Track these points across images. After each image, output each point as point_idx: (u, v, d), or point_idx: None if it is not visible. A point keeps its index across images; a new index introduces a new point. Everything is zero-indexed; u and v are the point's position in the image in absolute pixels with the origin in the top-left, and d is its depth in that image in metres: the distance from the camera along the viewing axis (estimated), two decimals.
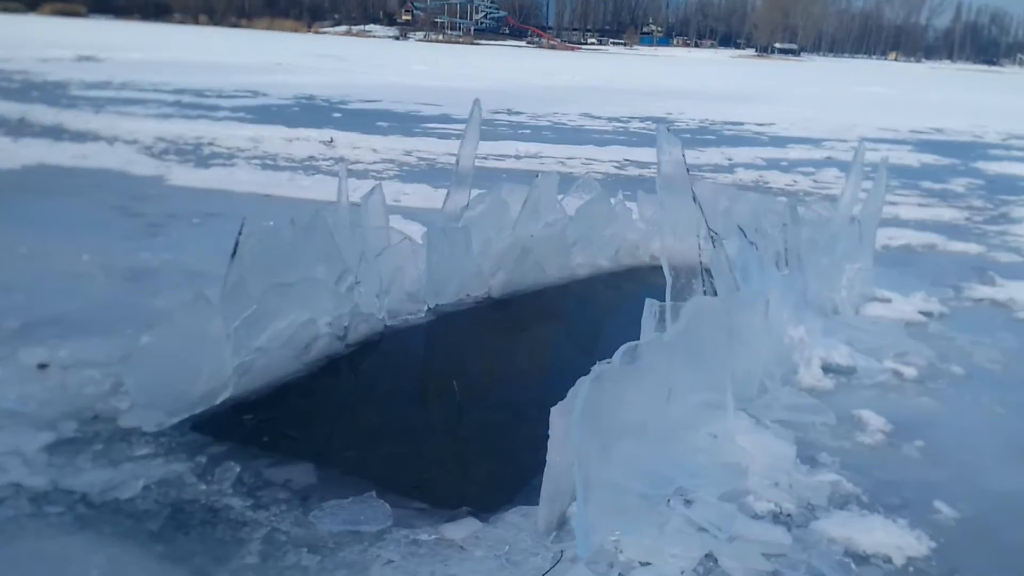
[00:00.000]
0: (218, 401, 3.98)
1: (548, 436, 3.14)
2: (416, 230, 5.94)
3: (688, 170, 4.08)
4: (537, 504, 3.18)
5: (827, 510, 3.41)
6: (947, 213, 10.50)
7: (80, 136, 11.96)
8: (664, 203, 4.06)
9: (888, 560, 3.11)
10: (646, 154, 14.29)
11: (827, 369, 4.90)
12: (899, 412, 4.38)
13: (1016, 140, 21.90)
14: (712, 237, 4.78)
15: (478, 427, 4.11)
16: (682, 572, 2.91)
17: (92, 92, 18.53)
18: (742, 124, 21.41)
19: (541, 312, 6.03)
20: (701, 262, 4.34)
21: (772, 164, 14.11)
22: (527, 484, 3.42)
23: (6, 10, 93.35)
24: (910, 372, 4.96)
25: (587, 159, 12.96)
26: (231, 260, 4.07)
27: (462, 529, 3.10)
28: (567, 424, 2.86)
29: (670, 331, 3.50)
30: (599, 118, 20.43)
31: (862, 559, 3.10)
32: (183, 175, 9.53)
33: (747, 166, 13.71)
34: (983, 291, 6.88)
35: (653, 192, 7.58)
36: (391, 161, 11.77)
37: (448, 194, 5.78)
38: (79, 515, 3.03)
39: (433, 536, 3.05)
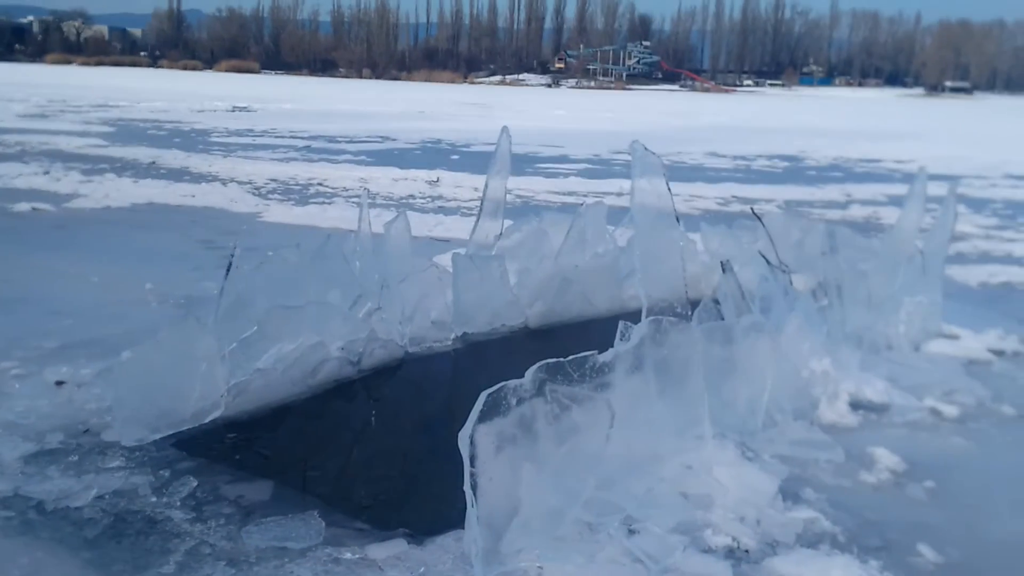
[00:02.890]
0: (208, 420, 4.09)
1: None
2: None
3: (670, 191, 3.93)
4: None
5: (791, 548, 3.17)
6: None
7: (199, 177, 12.71)
8: (638, 228, 3.92)
9: None
10: (758, 190, 13.93)
11: (856, 405, 4.59)
12: (921, 452, 4.06)
13: None
14: (726, 266, 4.61)
15: (450, 454, 4.04)
16: None
17: (230, 139, 19.68)
18: (878, 161, 20.54)
19: (580, 342, 5.84)
20: (686, 289, 4.17)
21: (893, 201, 13.41)
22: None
23: (186, 68, 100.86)
24: (951, 411, 4.59)
25: (691, 195, 12.71)
26: (224, 280, 4.20)
27: (387, 549, 3.06)
28: (463, 440, 2.78)
29: (609, 351, 3.36)
30: (723, 156, 20.05)
31: None
32: (278, 212, 9.95)
33: (864, 203, 13.11)
34: None
35: (716, 224, 7.40)
36: (454, 199, 11.89)
37: (476, 224, 5.79)
38: (26, 520, 3.16)
39: (356, 555, 3.02)
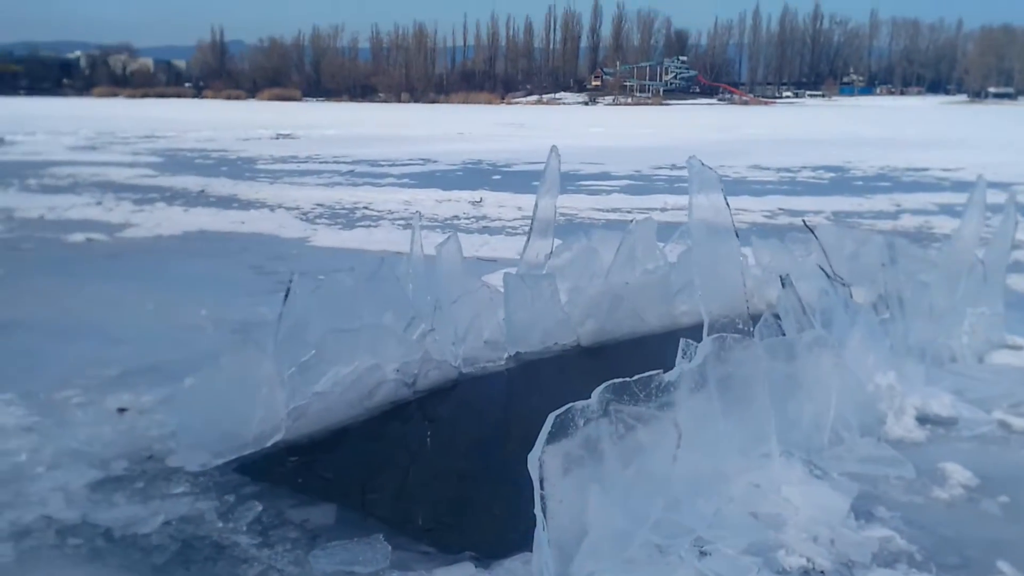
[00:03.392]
0: (268, 444, 4.10)
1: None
2: None
3: (728, 206, 3.88)
4: None
5: (867, 568, 3.09)
6: None
7: (247, 204, 12.88)
8: (696, 244, 3.87)
9: None
10: (805, 202, 13.78)
11: (923, 420, 4.49)
12: (993, 466, 3.95)
13: None
14: (785, 280, 4.54)
15: (513, 475, 4.00)
16: None
17: (275, 166, 19.94)
18: (926, 170, 20.24)
19: (633, 359, 5.79)
20: (747, 304, 4.11)
21: (944, 209, 13.21)
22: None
23: (229, 97, 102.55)
24: (1021, 424, 4.46)
25: (737, 209, 12.58)
26: (283, 306, 4.22)
27: (455, 573, 3.03)
28: (532, 464, 2.75)
29: (675, 370, 3.31)
30: (767, 169, 19.89)
31: None
32: (327, 237, 10.04)
33: (915, 212, 12.91)
34: None
35: (767, 238, 7.32)
36: (515, 218, 11.89)
37: (527, 243, 5.77)
38: (95, 547, 3.19)
39: None
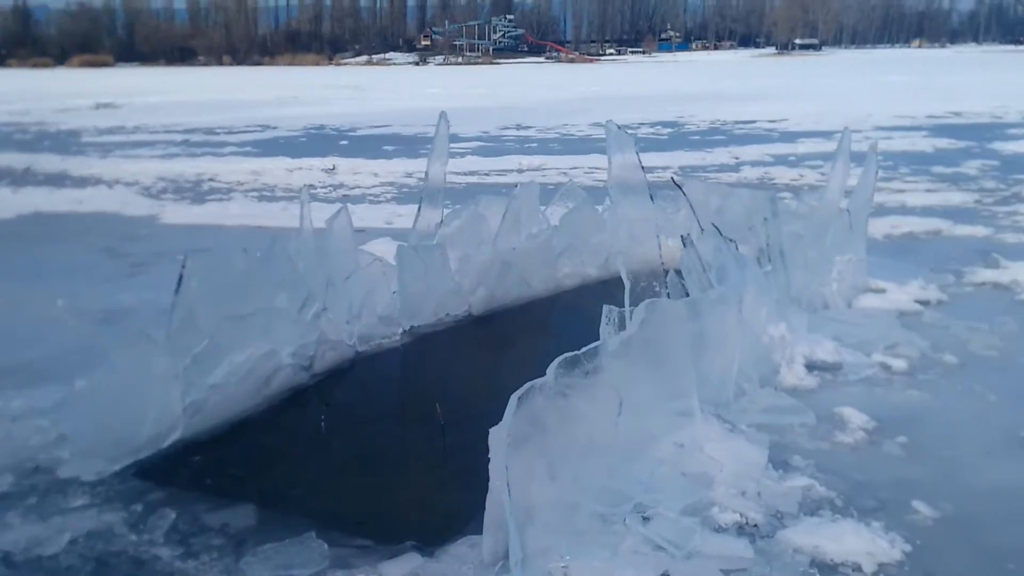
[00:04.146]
0: (166, 444, 3.87)
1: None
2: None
3: (642, 168, 3.90)
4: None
5: (796, 517, 3.21)
6: (956, 197, 10.19)
7: (82, 181, 12.05)
8: (617, 205, 3.89)
9: (857, 568, 2.91)
10: (651, 158, 14.07)
11: (811, 367, 4.69)
12: (884, 408, 4.17)
13: None
14: (685, 238, 4.62)
15: (449, 454, 3.93)
16: None
17: (103, 138, 18.73)
18: (753, 122, 21.11)
19: (525, 327, 5.87)
20: (662, 263, 4.17)
21: (780, 160, 13.85)
22: (483, 511, 3.27)
23: (35, 65, 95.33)
24: (899, 365, 4.74)
25: (591, 167, 12.79)
26: (175, 295, 3.96)
27: (401, 566, 2.94)
28: (498, 444, 2.69)
29: (617, 338, 3.32)
30: None
31: (829, 568, 2.91)
32: (177, 213, 9.52)
33: (754, 164, 13.46)
34: (985, 275, 6.60)
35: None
36: (391, 184, 11.69)
37: (419, 212, 5.65)
38: None
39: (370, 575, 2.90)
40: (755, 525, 3.17)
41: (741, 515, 3.21)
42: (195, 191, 11.21)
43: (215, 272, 4.20)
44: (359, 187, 11.45)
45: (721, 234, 4.96)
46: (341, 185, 11.61)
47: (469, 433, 4.04)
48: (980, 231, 8.20)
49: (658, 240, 3.92)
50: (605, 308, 3.68)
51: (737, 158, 14.15)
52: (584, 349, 3.07)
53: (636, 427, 3.40)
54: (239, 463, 3.81)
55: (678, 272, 4.47)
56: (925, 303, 5.86)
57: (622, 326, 3.84)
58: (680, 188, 7.50)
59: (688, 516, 3.16)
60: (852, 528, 3.10)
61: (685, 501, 3.22)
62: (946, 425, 4.01)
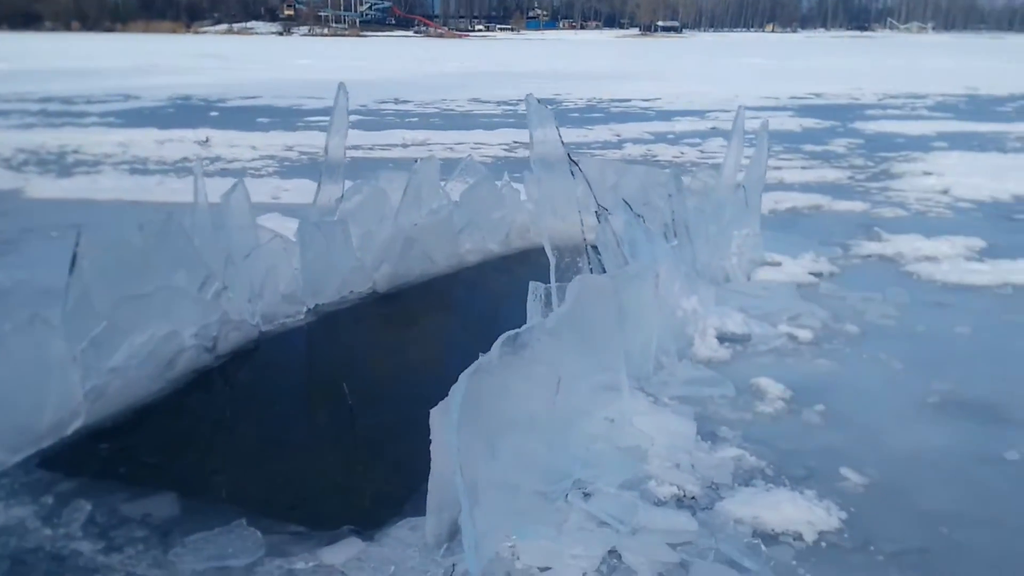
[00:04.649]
0: (69, 432, 3.60)
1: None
2: (288, 225, 5.61)
3: (563, 143, 3.84)
4: (422, 514, 2.96)
5: (732, 488, 3.24)
6: (830, 174, 10.60)
7: None
8: (540, 180, 3.82)
9: (799, 537, 2.95)
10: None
11: (722, 339, 4.77)
12: (797, 377, 4.27)
13: (890, 100, 22.55)
14: (600, 213, 4.60)
15: (364, 435, 3.82)
16: (584, 574, 2.69)
17: None
18: (628, 101, 21.46)
19: (430, 304, 5.76)
20: (585, 239, 4.14)
21: (659, 138, 14.11)
22: (417, 493, 3.18)
23: None
24: (805, 335, 4.87)
25: (476, 143, 12.71)
26: (70, 275, 3.67)
27: (343, 551, 2.82)
28: (447, 425, 2.59)
29: (554, 315, 3.26)
30: (487, 103, 20.21)
31: (771, 538, 2.94)
32: (43, 186, 8.92)
33: (635, 141, 13.66)
34: (870, 247, 6.90)
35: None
36: (271, 157, 11.29)
37: (319, 187, 5.44)
38: None
39: (311, 563, 2.77)
40: (693, 497, 3.18)
41: (679, 488, 3.22)
42: (60, 163, 10.54)
43: (110, 250, 3.92)
44: (238, 160, 11.01)
45: (632, 209, 4.97)
46: (218, 158, 11.14)
47: (383, 414, 3.97)
48: (858, 206, 8.55)
49: (580, 215, 3.87)
50: (532, 284, 3.63)
51: (618, 135, 14.33)
52: (527, 327, 2.99)
53: (569, 403, 3.36)
54: (150, 450, 3.58)
55: (594, 247, 4.45)
56: (819, 275, 6.05)
57: (548, 302, 3.81)
58: (575, 164, 7.51)
59: (627, 491, 3.15)
60: (787, 497, 3.15)
61: (623, 476, 3.21)
62: (858, 393, 4.14)
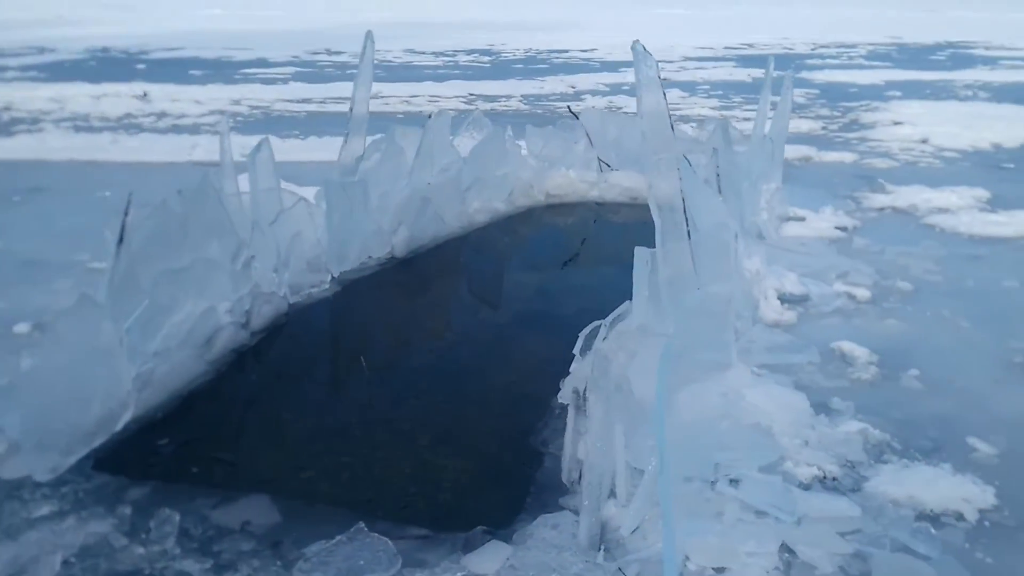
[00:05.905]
0: (119, 426, 3.18)
1: (538, 422, 2.63)
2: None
3: (664, 94, 3.53)
4: (552, 509, 2.71)
5: (870, 466, 3.02)
6: (804, 124, 10.48)
7: None
8: (647, 137, 3.50)
9: (960, 516, 2.75)
10: (493, 87, 13.68)
11: (783, 300, 4.55)
12: (875, 340, 4.06)
13: (823, 49, 22.72)
14: (603, 168, 4.30)
15: (431, 418, 3.45)
16: (767, 573, 2.44)
17: None
18: (567, 52, 21.11)
19: (453, 269, 5.40)
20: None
21: (615, 89, 13.83)
22: (526, 481, 2.91)
23: None
24: (862, 293, 4.68)
25: (432, 96, 12.22)
26: (117, 248, 3.21)
27: (490, 558, 2.50)
28: (655, 423, 2.29)
29: (692, 297, 2.96)
30: (424, 53, 19.59)
31: (936, 520, 2.73)
32: None
33: (593, 93, 13.36)
34: (881, 199, 6.77)
35: (541, 126, 7.08)
36: (221, 112, 10.62)
37: (344, 143, 4.99)
38: None
39: (459, 574, 2.44)
40: (835, 478, 2.95)
41: (818, 468, 2.99)
42: None
43: (152, 218, 3.46)
44: (186, 116, 10.33)
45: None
46: (164, 114, 10.43)
47: (441, 394, 3.63)
48: (847, 156, 8.45)
49: (679, 172, 3.55)
50: (638, 251, 3.31)
51: (573, 87, 14.00)
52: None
53: (683, 380, 3.10)
54: (215, 444, 3.19)
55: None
56: (844, 229, 5.90)
57: (654, 268, 3.49)
58: (576, 116, 7.20)
59: (769, 474, 2.90)
60: (932, 474, 2.95)
61: (764, 458, 2.96)
62: (942, 355, 3.96)
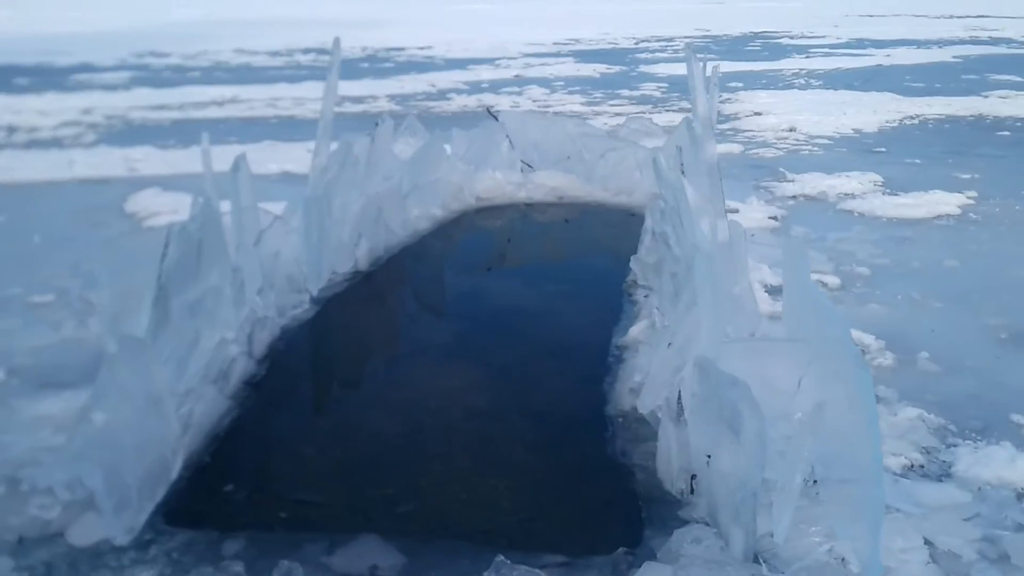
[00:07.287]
0: (174, 475, 2.85)
1: (604, 432, 2.59)
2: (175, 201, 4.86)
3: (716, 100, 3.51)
4: (674, 523, 2.65)
5: (945, 450, 3.13)
6: (672, 117, 10.78)
7: None
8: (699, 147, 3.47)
9: None
10: (352, 87, 13.26)
11: (768, 291, 4.65)
12: (869, 326, 4.20)
13: (645, 43, 23.49)
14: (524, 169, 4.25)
15: (488, 436, 3.30)
16: (926, 564, 2.48)
17: None
18: (404, 49, 20.87)
19: (417, 278, 5.21)
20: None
21: (475, 88, 13.77)
22: (629, 496, 2.84)
23: None
24: (832, 280, 4.87)
25: (296, 98, 11.75)
26: (160, 277, 2.87)
27: None
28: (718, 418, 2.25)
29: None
30: (258, 53, 18.85)
31: None
32: None
33: (456, 91, 13.26)
34: (789, 188, 7.06)
35: (468, 128, 6.96)
36: (75, 123, 9.82)
37: (315, 156, 4.66)
38: None
39: None
40: (921, 465, 3.04)
41: (904, 456, 3.07)
42: None
43: (174, 247, 3.12)
44: (39, 128, 9.49)
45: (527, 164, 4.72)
46: (14, 128, 9.52)
47: (488, 413, 3.48)
48: (733, 148, 8.77)
49: (719, 173, 3.55)
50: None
51: (434, 86, 13.84)
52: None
53: None
54: (285, 485, 2.92)
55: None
56: (775, 219, 6.11)
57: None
58: (495, 118, 7.12)
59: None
60: (1006, 453, 3.07)
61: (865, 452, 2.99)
62: (936, 336, 4.15)
